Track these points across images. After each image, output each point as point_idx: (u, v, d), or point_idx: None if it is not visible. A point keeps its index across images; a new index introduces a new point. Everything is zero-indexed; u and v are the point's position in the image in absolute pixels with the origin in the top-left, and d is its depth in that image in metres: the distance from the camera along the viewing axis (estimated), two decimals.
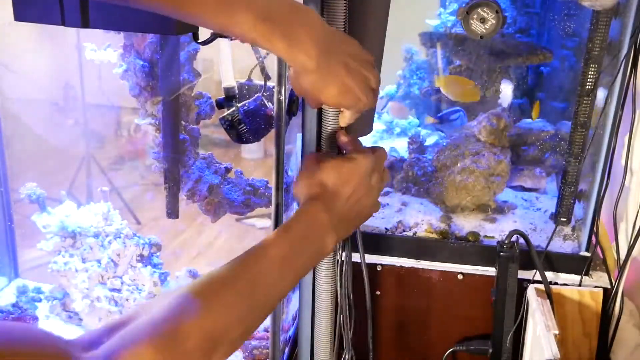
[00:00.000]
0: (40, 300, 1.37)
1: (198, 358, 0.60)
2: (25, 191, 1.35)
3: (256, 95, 1.15)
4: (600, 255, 1.28)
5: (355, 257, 1.08)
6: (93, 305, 1.29)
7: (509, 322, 1.21)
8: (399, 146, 1.58)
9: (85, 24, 0.89)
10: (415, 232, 1.32)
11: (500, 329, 1.22)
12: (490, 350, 1.26)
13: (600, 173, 1.21)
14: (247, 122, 1.13)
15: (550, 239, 1.25)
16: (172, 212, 1.29)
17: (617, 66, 1.13)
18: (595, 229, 1.24)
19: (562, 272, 1.26)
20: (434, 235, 1.31)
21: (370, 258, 1.29)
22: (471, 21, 1.17)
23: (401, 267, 1.30)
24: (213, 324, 0.62)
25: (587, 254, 1.26)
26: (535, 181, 1.46)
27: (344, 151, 0.88)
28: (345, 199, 0.79)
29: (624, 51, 1.12)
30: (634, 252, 1.21)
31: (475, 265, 1.28)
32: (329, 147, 0.92)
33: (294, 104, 0.99)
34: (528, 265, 1.22)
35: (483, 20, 1.16)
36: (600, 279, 1.26)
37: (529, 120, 1.52)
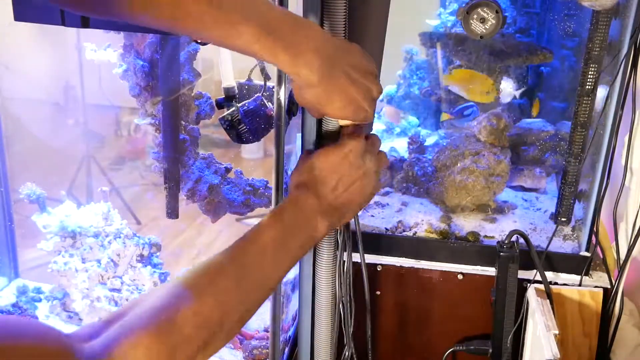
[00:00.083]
0: (40, 300, 1.37)
1: (195, 344, 0.60)
2: (25, 191, 1.34)
3: (256, 95, 1.15)
4: (600, 255, 1.28)
5: (356, 257, 1.08)
6: (93, 305, 1.29)
7: (509, 322, 1.21)
8: (399, 146, 1.58)
9: (85, 24, 0.89)
10: (415, 232, 1.32)
11: (500, 329, 1.22)
12: (490, 350, 1.26)
13: (600, 173, 1.21)
14: (247, 122, 1.13)
15: (551, 239, 1.25)
16: (172, 212, 1.29)
17: (617, 66, 1.13)
18: (595, 229, 1.24)
19: (562, 272, 1.26)
20: (434, 235, 1.31)
21: (370, 258, 1.29)
22: (471, 21, 1.17)
23: (401, 267, 1.30)
24: (209, 310, 0.62)
25: (587, 254, 1.26)
26: (535, 181, 1.47)
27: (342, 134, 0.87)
28: (334, 185, 0.79)
29: (624, 51, 1.12)
30: (634, 252, 1.21)
31: (475, 265, 1.28)
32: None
33: (294, 104, 0.99)
34: (528, 265, 1.22)
35: (483, 20, 1.16)
36: (600, 279, 1.26)
37: (529, 120, 1.52)
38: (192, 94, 1.24)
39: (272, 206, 1.00)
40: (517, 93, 1.43)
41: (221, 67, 1.13)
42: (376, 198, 1.42)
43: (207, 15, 0.67)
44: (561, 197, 1.27)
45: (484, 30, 1.17)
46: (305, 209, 0.77)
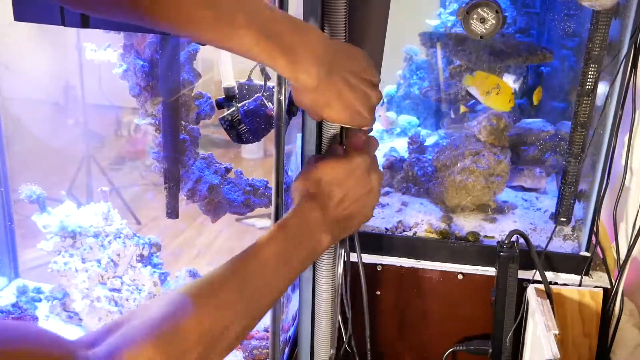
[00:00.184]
0: (40, 300, 1.37)
1: (197, 356, 0.60)
2: (25, 191, 1.34)
3: (256, 95, 1.15)
4: (600, 255, 1.28)
5: (354, 257, 1.08)
6: (93, 305, 1.29)
7: (509, 322, 1.21)
8: (399, 146, 1.58)
9: (85, 24, 0.89)
10: (415, 232, 1.32)
11: (500, 329, 1.22)
12: (490, 350, 1.26)
13: (600, 173, 1.21)
14: (247, 122, 1.13)
15: (550, 238, 1.25)
16: (172, 212, 1.29)
17: (617, 66, 1.13)
18: (595, 229, 1.24)
19: (562, 272, 1.26)
20: (434, 235, 1.31)
21: (370, 258, 1.29)
22: (471, 21, 1.17)
23: (401, 267, 1.30)
24: (211, 322, 0.62)
25: (587, 254, 1.26)
26: (535, 181, 1.47)
27: (344, 147, 0.88)
28: (340, 199, 0.79)
29: (624, 51, 1.12)
30: (634, 252, 1.21)
31: (475, 265, 1.28)
32: (329, 147, 0.92)
33: (294, 105, 0.99)
34: (528, 265, 1.22)
35: (483, 20, 1.16)
36: (600, 279, 1.26)
37: (529, 120, 1.52)
38: (192, 94, 1.24)
39: (272, 206, 1.00)
40: (517, 86, 1.43)
41: (221, 67, 1.13)
42: None
43: (208, 18, 0.67)
44: (561, 197, 1.27)
45: (484, 30, 1.17)
46: (309, 222, 0.77)
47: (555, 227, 1.28)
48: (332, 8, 0.89)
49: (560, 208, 1.28)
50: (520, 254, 1.19)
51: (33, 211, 1.35)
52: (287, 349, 1.25)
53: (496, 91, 1.35)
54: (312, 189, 0.79)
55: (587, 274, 1.25)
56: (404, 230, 1.33)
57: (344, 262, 1.04)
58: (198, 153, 1.29)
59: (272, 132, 1.00)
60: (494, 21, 1.16)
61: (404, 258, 1.30)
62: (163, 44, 1.17)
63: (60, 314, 1.32)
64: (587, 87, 1.18)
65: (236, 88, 1.15)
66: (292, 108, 0.99)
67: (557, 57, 1.47)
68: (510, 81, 1.43)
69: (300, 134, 0.99)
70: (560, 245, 1.29)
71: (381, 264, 1.30)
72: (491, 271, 1.25)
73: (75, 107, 3.16)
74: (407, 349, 1.37)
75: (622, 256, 1.22)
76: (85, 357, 0.53)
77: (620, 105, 1.16)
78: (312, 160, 0.83)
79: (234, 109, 1.14)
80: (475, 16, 1.17)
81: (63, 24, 0.89)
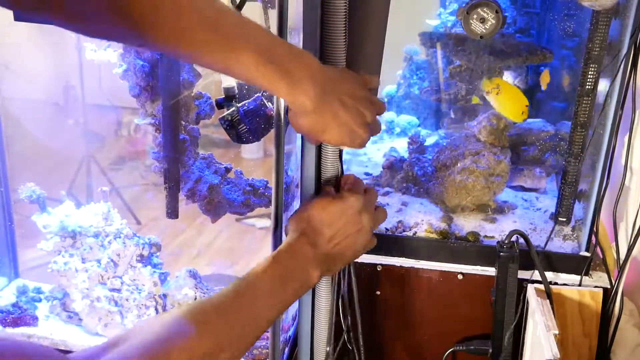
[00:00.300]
0: (40, 300, 1.37)
1: None
2: (25, 191, 1.35)
3: (256, 95, 1.15)
4: (600, 255, 1.28)
5: None
6: (93, 305, 1.29)
7: (509, 322, 1.21)
8: (399, 146, 1.58)
9: None
10: (415, 232, 1.32)
11: (500, 329, 1.22)
12: (490, 350, 1.26)
13: (600, 173, 1.21)
14: (247, 122, 1.13)
15: (549, 238, 1.25)
16: (172, 212, 1.29)
17: (617, 66, 1.13)
18: (595, 229, 1.24)
19: (562, 272, 1.26)
20: (434, 235, 1.31)
21: (370, 258, 1.29)
22: (471, 21, 1.17)
23: (401, 267, 1.30)
24: (204, 349, 0.65)
25: (587, 254, 1.26)
26: (535, 181, 1.46)
27: (342, 186, 0.92)
28: (330, 237, 0.84)
29: (624, 51, 1.12)
30: (634, 252, 1.21)
31: (475, 265, 1.28)
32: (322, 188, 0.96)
33: None
34: (528, 265, 1.22)
35: (483, 20, 1.16)
36: (600, 279, 1.26)
37: (529, 120, 1.52)
38: (192, 94, 1.24)
39: (272, 206, 1.00)
40: (517, 81, 1.42)
41: None
42: None
43: (210, 42, 0.69)
44: (561, 197, 1.27)
45: (484, 30, 1.17)
46: (300, 258, 0.81)
47: (553, 227, 1.28)
48: (332, 8, 0.89)
49: (560, 208, 1.28)
50: (520, 254, 1.19)
51: (33, 211, 1.35)
52: (287, 349, 1.25)
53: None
54: (303, 225, 0.84)
55: (587, 274, 1.25)
56: (404, 230, 1.33)
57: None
58: (198, 153, 1.29)
59: (272, 132, 1.00)
60: (494, 21, 1.16)
61: (404, 258, 1.30)
62: None
63: (60, 314, 1.32)
64: (587, 87, 1.18)
65: (236, 88, 1.15)
66: None
67: (557, 57, 1.47)
68: (509, 78, 1.43)
69: (300, 134, 0.99)
70: (560, 245, 1.29)
71: (381, 264, 1.30)
72: (491, 271, 1.25)
73: (75, 107, 3.16)
74: (407, 348, 1.37)
75: (622, 256, 1.22)
76: None
77: (620, 105, 1.16)
78: (310, 196, 0.90)
79: (233, 108, 1.14)
80: (475, 16, 1.17)
81: None
